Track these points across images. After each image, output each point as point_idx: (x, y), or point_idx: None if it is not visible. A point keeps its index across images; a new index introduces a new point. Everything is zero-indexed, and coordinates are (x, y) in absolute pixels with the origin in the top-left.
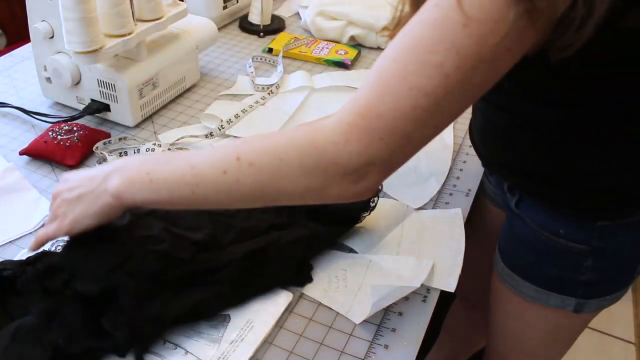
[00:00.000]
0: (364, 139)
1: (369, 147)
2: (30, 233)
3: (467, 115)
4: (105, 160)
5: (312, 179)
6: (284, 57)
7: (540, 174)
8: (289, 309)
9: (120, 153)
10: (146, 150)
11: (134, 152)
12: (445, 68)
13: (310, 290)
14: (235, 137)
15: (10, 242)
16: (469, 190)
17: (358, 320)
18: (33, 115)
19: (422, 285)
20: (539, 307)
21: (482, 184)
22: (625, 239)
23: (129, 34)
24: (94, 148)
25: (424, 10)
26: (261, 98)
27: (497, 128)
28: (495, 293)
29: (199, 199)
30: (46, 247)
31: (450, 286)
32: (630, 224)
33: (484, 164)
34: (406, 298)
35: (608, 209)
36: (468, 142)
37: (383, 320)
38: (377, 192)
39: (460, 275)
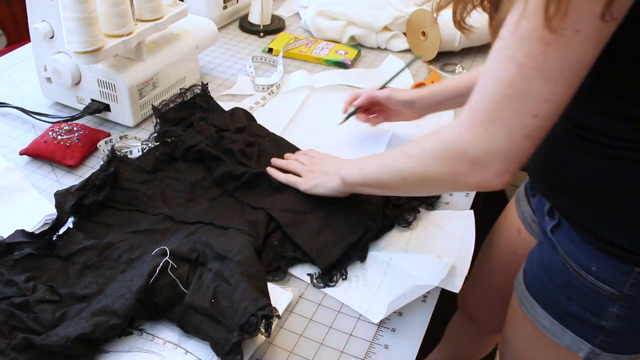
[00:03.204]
0: (473, 130)
1: (479, 137)
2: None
3: None
4: (112, 157)
5: (443, 166)
6: (284, 57)
7: (590, 198)
8: (289, 309)
9: (126, 152)
10: (140, 151)
11: (139, 151)
12: (517, 58)
13: (331, 290)
14: None
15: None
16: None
17: (376, 320)
18: (33, 115)
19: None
20: (551, 342)
21: (520, 206)
22: None
23: (129, 34)
24: (98, 145)
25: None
26: (261, 98)
27: (557, 138)
28: (512, 315)
29: (384, 182)
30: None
31: (456, 287)
32: None
33: (533, 180)
34: None
35: None
36: None
37: (383, 320)
38: (506, 184)
39: (464, 286)
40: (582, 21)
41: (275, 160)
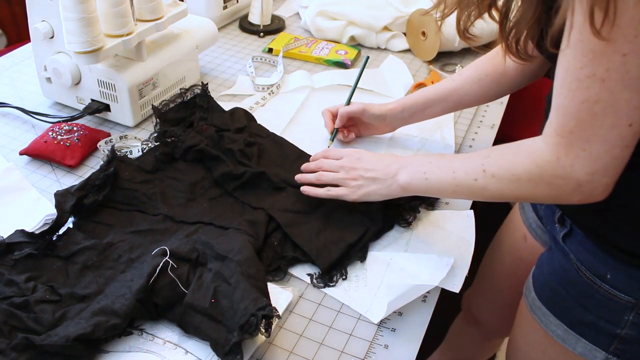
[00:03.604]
0: (571, 153)
1: (579, 159)
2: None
3: (467, 115)
4: (112, 157)
5: (542, 190)
6: (284, 57)
7: (605, 205)
8: (289, 309)
9: (126, 152)
10: (140, 151)
11: (139, 151)
12: (597, 75)
13: (331, 290)
14: None
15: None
16: None
17: (376, 320)
18: (33, 115)
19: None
20: (563, 350)
21: (524, 212)
22: None
23: (129, 34)
24: (98, 145)
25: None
26: (261, 98)
27: None
28: (522, 322)
29: (457, 195)
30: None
31: (455, 287)
32: None
33: None
34: None
35: None
36: (468, 142)
37: (383, 320)
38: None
39: (469, 290)
40: None
41: (302, 177)
